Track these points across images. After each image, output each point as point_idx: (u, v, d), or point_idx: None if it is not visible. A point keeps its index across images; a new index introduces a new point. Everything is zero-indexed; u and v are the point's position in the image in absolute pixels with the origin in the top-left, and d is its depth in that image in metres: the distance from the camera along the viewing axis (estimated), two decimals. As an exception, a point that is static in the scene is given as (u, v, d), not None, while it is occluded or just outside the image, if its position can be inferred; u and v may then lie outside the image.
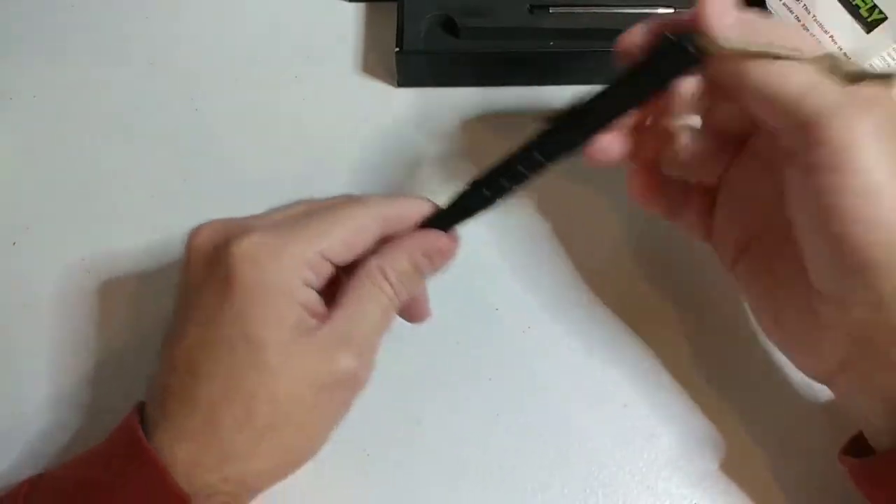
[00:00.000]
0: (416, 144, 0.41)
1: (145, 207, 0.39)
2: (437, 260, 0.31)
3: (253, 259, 0.28)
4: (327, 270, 0.29)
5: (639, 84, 0.28)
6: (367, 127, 0.41)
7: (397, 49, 0.40)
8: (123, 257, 0.38)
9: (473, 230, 0.38)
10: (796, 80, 0.26)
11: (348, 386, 0.29)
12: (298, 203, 0.31)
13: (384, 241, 0.31)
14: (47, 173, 0.40)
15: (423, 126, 0.42)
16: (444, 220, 0.31)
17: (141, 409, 0.29)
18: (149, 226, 0.38)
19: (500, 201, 0.31)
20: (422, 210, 0.31)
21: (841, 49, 0.42)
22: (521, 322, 0.37)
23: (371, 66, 0.43)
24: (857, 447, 0.31)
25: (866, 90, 0.26)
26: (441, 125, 0.41)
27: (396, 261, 0.30)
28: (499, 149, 0.30)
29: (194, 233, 0.30)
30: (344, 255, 0.29)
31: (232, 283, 0.27)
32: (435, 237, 0.31)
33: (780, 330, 0.32)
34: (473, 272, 0.38)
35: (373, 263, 0.30)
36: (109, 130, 0.41)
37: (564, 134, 0.29)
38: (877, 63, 0.42)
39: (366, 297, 0.29)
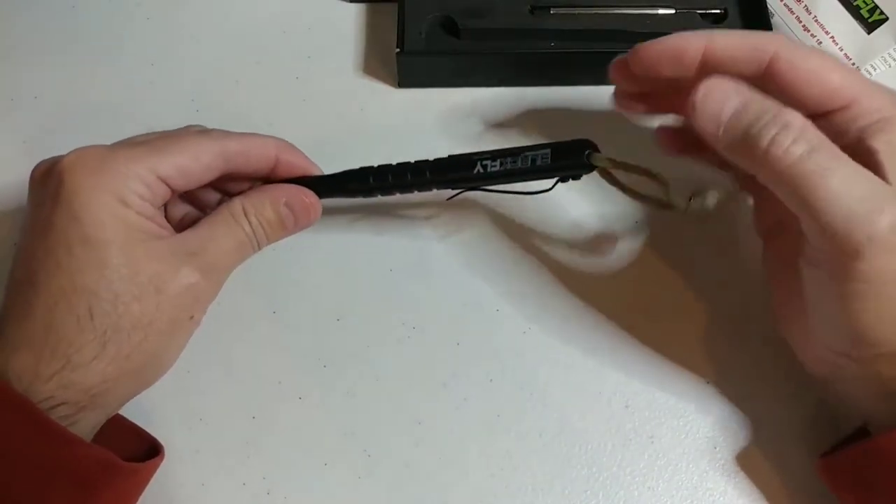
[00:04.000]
0: (416, 145, 0.41)
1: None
2: (300, 215, 0.32)
3: (81, 165, 0.28)
4: (163, 191, 0.30)
5: (538, 165, 0.32)
6: (367, 127, 0.41)
7: (398, 50, 0.40)
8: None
9: (473, 231, 0.39)
10: (846, 205, 0.25)
11: (189, 299, 0.29)
12: (150, 133, 0.32)
13: (230, 179, 0.32)
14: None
15: (423, 126, 0.42)
16: (320, 186, 0.33)
17: None
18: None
19: (378, 194, 0.34)
20: (268, 148, 0.32)
21: (842, 50, 0.42)
22: (521, 323, 0.37)
23: (371, 66, 0.43)
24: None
25: None
26: (441, 126, 0.41)
27: (260, 203, 0.31)
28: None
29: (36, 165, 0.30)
30: (179, 180, 0.30)
31: (61, 189, 0.28)
32: (302, 192, 0.32)
33: (786, 318, 0.33)
34: (474, 273, 0.38)
35: (236, 200, 0.31)
36: (110, 131, 0.41)
37: (458, 171, 0.33)
38: (878, 64, 0.42)
39: (222, 224, 0.30)
